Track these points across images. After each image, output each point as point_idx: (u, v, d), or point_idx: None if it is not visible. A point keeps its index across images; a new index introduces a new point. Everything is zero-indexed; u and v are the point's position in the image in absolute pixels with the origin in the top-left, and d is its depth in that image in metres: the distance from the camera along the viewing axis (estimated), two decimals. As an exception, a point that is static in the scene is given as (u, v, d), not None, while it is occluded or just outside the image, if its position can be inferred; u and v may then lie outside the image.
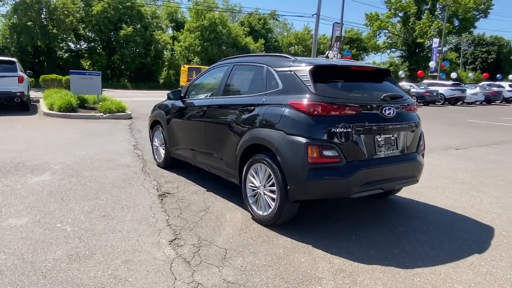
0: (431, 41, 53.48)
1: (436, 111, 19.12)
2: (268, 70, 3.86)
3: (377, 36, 56.12)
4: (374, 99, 3.56)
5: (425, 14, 52.99)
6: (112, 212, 3.93)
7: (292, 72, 3.59)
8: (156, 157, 6.03)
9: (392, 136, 3.58)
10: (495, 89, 26.91)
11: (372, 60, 62.37)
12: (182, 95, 5.20)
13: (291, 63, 3.68)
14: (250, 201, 3.82)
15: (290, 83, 3.55)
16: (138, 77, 36.14)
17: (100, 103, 12.55)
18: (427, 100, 23.06)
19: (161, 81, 39.02)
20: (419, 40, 52.44)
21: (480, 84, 29.61)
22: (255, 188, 3.77)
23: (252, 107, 3.80)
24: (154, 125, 6.03)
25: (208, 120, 4.46)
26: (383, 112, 3.49)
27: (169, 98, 5.36)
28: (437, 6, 53.46)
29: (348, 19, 76.01)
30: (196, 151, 4.80)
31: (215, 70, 4.97)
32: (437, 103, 23.76)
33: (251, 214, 3.82)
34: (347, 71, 3.74)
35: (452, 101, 24.54)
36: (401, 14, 54.16)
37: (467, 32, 53.21)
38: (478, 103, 26.10)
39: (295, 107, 3.36)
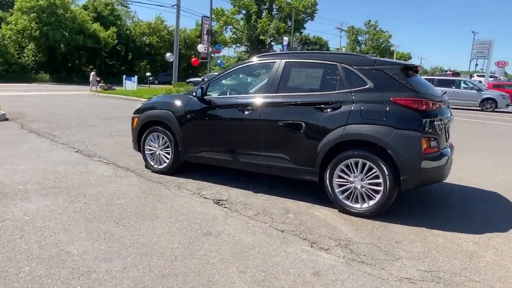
0: (271, 39, 59.26)
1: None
2: (345, 68, 3.99)
3: (224, 31, 58.69)
4: (439, 95, 4.15)
5: (264, 14, 58.12)
6: (203, 228, 3.43)
7: (381, 71, 3.84)
8: (152, 163, 5.28)
9: (448, 127, 4.25)
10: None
11: (223, 54, 64.86)
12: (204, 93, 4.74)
13: (374, 62, 3.92)
14: (340, 197, 3.92)
15: (382, 81, 3.80)
16: (-50, 66, 28.51)
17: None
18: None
19: (-16, 71, 31.73)
20: (261, 37, 57.22)
21: None
22: (346, 183, 3.89)
23: (338, 105, 3.88)
24: (146, 127, 5.25)
25: (266, 119, 4.25)
26: (448, 106, 4.13)
27: (195, 97, 4.77)
28: (274, 7, 59.31)
29: (200, 11, 76.77)
30: (239, 153, 4.51)
31: (251, 67, 4.74)
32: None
33: (341, 208, 3.92)
34: (413, 70, 4.18)
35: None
36: (244, 12, 57.95)
37: (298, 32, 60.73)
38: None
39: (401, 104, 3.65)
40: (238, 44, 61.68)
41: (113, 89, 24.01)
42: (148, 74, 32.58)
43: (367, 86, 3.84)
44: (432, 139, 3.65)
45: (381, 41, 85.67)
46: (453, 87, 20.12)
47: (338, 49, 58.88)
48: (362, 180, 3.79)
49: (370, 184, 3.76)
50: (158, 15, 45.44)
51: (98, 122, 10.17)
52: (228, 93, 4.92)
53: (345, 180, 3.90)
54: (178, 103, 4.99)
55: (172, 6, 30.55)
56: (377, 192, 3.73)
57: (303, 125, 4.03)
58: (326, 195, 4.04)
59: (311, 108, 4.03)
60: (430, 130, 3.64)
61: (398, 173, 3.62)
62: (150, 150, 5.29)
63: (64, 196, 4.13)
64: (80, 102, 16.60)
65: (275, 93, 4.28)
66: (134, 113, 5.48)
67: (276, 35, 57.64)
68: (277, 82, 4.31)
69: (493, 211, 4.24)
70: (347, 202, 3.89)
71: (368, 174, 3.76)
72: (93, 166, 5.48)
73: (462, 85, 20.61)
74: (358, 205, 3.85)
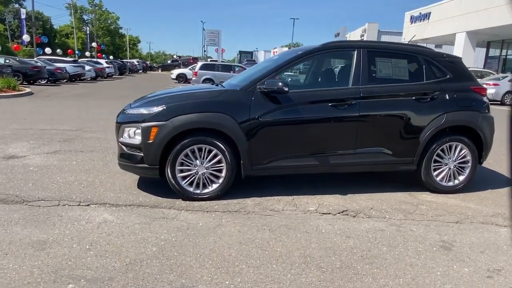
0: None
1: (75, 89, 18.61)
2: (426, 59, 4.20)
3: None
4: None
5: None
6: (426, 247, 3.01)
7: (452, 63, 4.32)
8: (191, 189, 3.74)
9: None
10: (100, 66, 28.91)
11: None
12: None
13: (444, 55, 4.34)
14: (437, 179, 4.23)
15: (457, 71, 4.28)
16: None
17: None
18: (58, 77, 21.49)
19: None
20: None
21: (85, 60, 30.41)
22: (440, 166, 4.23)
23: (434, 94, 4.10)
24: (179, 139, 3.63)
25: (367, 113, 3.90)
26: None
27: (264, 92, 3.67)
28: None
29: None
30: (330, 155, 3.95)
31: (322, 56, 4.12)
32: (62, 80, 22.60)
33: (435, 189, 4.24)
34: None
35: (75, 78, 24.18)
36: None
37: (17, 4, 49.77)
38: (89, 78, 26.99)
39: (478, 92, 4.28)
40: None
41: None
42: None
43: (448, 77, 4.23)
44: (492, 118, 4.52)
45: (109, 22, 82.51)
46: (232, 72, 22.57)
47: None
48: (455, 160, 4.24)
49: (460, 163, 4.27)
50: None
51: None
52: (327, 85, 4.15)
53: (439, 164, 4.23)
54: (235, 101, 3.74)
55: None
56: (465, 168, 4.28)
57: (408, 116, 4.02)
58: (396, 180, 4.30)
59: (410, 99, 4.05)
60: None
61: (481, 150, 4.29)
62: (183, 171, 3.71)
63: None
64: None
65: (367, 85, 3.98)
66: (146, 121, 3.61)
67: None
68: (365, 72, 4.00)
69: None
70: (443, 183, 4.25)
71: (459, 154, 4.25)
72: (84, 215, 3.30)
73: (237, 69, 23.40)
74: (451, 183, 4.28)
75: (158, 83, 26.63)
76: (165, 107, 3.65)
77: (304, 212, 3.58)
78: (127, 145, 3.76)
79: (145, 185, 4.14)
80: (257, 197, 3.91)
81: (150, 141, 3.59)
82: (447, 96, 4.13)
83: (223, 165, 3.73)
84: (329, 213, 3.59)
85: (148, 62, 51.75)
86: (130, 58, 71.41)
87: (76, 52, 42.79)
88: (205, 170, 3.73)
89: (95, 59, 33.30)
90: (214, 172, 3.76)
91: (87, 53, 42.33)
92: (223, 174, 3.75)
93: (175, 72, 29.39)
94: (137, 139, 3.66)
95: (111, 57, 48.75)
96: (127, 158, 3.82)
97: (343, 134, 3.94)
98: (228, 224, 3.23)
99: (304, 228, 3.20)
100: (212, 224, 3.23)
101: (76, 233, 2.94)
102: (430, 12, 29.85)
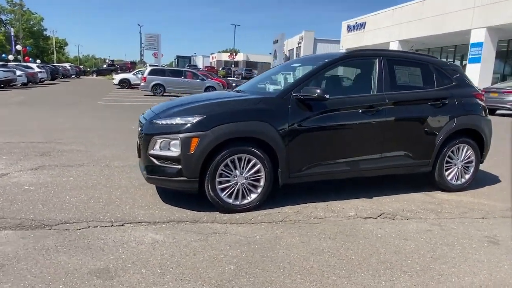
0: None
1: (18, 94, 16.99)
2: (434, 67, 4.50)
3: None
4: None
5: None
6: (475, 243, 3.22)
7: (455, 70, 4.67)
8: (230, 201, 3.60)
9: None
10: (31, 71, 26.45)
11: None
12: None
13: (447, 63, 4.68)
14: (448, 178, 4.54)
15: (459, 78, 4.64)
16: None
17: None
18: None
19: None
20: None
21: (14, 65, 27.51)
22: (451, 166, 4.54)
23: (445, 100, 4.40)
24: (220, 149, 3.48)
25: (393, 119, 4.07)
26: None
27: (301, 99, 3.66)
28: None
29: None
30: (360, 160, 4.05)
31: (347, 63, 4.19)
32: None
33: (447, 188, 4.54)
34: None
35: (5, 84, 21.89)
36: None
37: None
38: (20, 84, 24.65)
39: (478, 97, 4.67)
40: None
41: None
42: None
43: (453, 83, 4.57)
44: (489, 121, 4.94)
45: (31, 23, 76.16)
46: (183, 77, 22.09)
47: None
48: (462, 161, 4.59)
49: (466, 163, 4.62)
50: None
51: None
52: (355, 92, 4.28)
53: (449, 164, 4.54)
54: (274, 108, 3.68)
55: None
56: (469, 168, 4.65)
57: (426, 120, 4.26)
58: (404, 181, 4.65)
59: (427, 104, 4.31)
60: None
61: (482, 151, 4.68)
62: (222, 182, 3.56)
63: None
64: None
65: (389, 92, 4.16)
66: (184, 132, 3.40)
67: None
68: (387, 79, 4.18)
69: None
70: (453, 182, 4.57)
71: (466, 155, 4.60)
72: (127, 236, 3.02)
73: (187, 73, 22.90)
74: (459, 182, 4.61)
75: (99, 89, 25.17)
76: (205, 116, 3.47)
77: (347, 218, 3.62)
78: (160, 157, 3.51)
79: (169, 198, 3.89)
80: (292, 205, 3.87)
81: (191, 153, 3.38)
82: (455, 101, 4.46)
83: (262, 174, 3.64)
84: (370, 217, 3.67)
85: (81, 67, 48.49)
86: (57, 62, 66.24)
87: (3, 55, 38.58)
88: (244, 181, 3.61)
89: (24, 63, 30.39)
90: (253, 182, 3.66)
91: (11, 57, 38.37)
92: (262, 183, 3.66)
93: (118, 77, 27.88)
94: (174, 151, 3.43)
95: (38, 61, 44.68)
96: (157, 172, 3.57)
97: (372, 139, 4.06)
98: (285, 235, 3.16)
99: (361, 234, 3.24)
100: (269, 236, 3.13)
101: (134, 257, 2.68)
102: (365, 22, 31.95)
